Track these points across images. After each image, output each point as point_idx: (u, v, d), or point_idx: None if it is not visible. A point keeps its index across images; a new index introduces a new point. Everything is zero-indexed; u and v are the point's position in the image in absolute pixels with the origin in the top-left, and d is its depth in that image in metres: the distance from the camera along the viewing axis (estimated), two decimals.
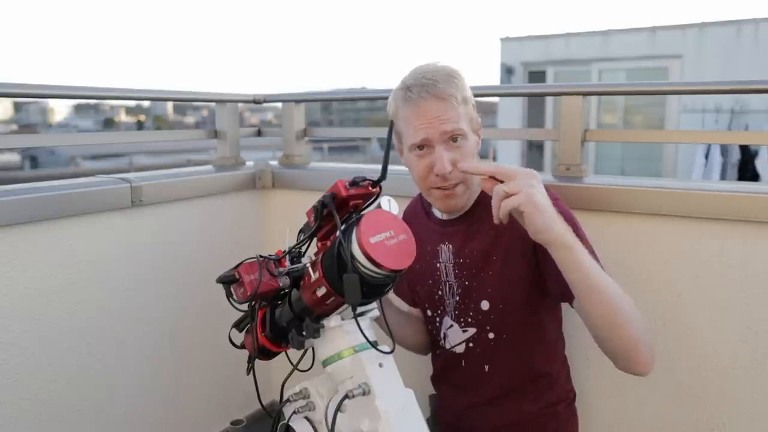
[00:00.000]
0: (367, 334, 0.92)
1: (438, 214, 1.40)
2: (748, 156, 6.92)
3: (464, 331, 1.36)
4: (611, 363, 1.17)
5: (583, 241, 1.20)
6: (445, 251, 1.36)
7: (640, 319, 1.11)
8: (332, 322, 0.94)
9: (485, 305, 1.32)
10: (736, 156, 6.95)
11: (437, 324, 1.41)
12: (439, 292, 1.38)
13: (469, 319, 1.34)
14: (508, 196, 1.02)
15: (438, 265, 1.38)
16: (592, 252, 1.16)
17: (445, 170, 1.20)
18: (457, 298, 1.35)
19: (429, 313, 1.42)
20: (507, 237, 1.28)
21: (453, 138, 1.22)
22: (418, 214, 1.46)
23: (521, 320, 1.31)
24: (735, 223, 1.40)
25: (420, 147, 1.23)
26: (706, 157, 6.98)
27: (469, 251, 1.33)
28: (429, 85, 1.20)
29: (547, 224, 1.02)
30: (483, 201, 1.34)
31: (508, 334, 1.32)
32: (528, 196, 1.01)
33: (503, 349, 1.33)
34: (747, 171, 6.89)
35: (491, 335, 1.33)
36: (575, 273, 1.06)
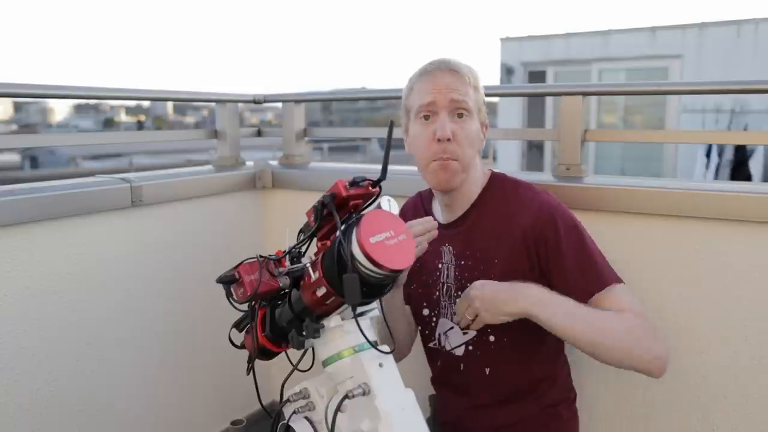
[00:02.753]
0: (367, 334, 0.92)
1: (439, 216, 1.40)
2: (742, 157, 6.91)
3: (465, 333, 1.35)
4: None
5: (584, 245, 1.27)
6: (447, 253, 1.37)
7: (635, 336, 1.20)
8: (332, 322, 0.94)
9: None
10: (728, 156, 6.95)
11: (432, 325, 1.41)
12: (437, 293, 1.38)
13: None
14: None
15: (440, 266, 1.38)
16: (589, 255, 1.25)
17: (446, 134, 1.24)
18: (458, 300, 1.35)
19: (426, 312, 1.42)
20: (509, 239, 1.28)
21: (458, 113, 1.26)
22: (418, 214, 1.46)
23: (523, 323, 1.30)
24: (735, 223, 1.40)
25: (426, 117, 1.28)
26: (708, 156, 6.98)
27: (470, 254, 1.33)
28: (445, 61, 1.29)
29: (508, 310, 1.18)
30: (482, 204, 1.34)
31: (509, 338, 1.32)
32: (484, 316, 1.19)
33: (504, 353, 1.33)
34: (741, 172, 6.87)
35: (492, 338, 1.33)
36: (551, 330, 1.18)
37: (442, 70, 1.28)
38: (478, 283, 1.21)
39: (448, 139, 1.24)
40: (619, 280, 1.26)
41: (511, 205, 1.32)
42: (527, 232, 1.27)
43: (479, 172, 1.34)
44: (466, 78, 1.27)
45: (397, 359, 1.50)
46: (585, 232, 1.29)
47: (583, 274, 1.24)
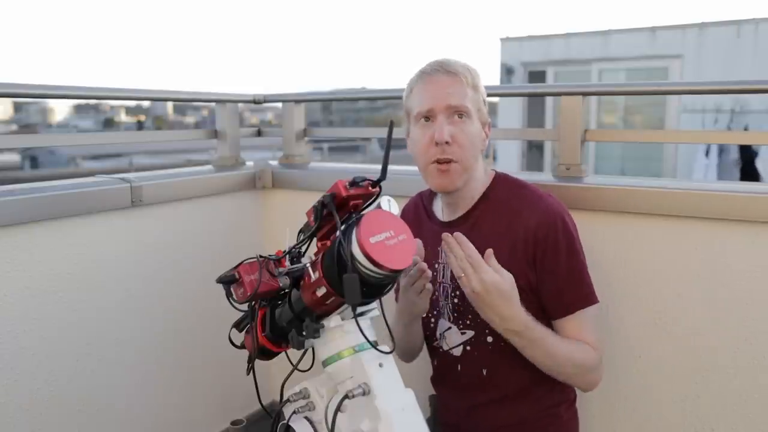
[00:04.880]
0: (367, 334, 0.92)
1: (439, 214, 1.40)
2: (749, 156, 6.93)
3: (462, 333, 1.35)
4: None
5: (578, 261, 1.30)
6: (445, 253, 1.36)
7: (581, 369, 1.28)
8: (332, 322, 0.94)
9: None
10: (734, 155, 6.96)
11: (431, 326, 1.41)
12: (435, 294, 1.38)
13: (468, 322, 1.34)
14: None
15: (436, 266, 1.38)
16: (579, 272, 1.29)
17: (443, 138, 1.24)
18: (455, 300, 1.35)
19: (425, 314, 1.42)
20: (510, 239, 1.28)
21: (458, 114, 1.26)
22: (419, 214, 1.46)
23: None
24: (735, 223, 1.40)
25: (426, 118, 1.28)
26: (707, 154, 6.98)
27: None
28: (442, 63, 1.29)
29: (490, 316, 1.18)
30: (485, 203, 1.34)
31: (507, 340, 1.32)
32: (472, 296, 1.16)
33: (501, 354, 1.32)
34: (748, 171, 6.89)
35: (489, 339, 1.32)
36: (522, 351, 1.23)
37: (438, 73, 1.27)
38: (491, 285, 1.14)
39: (447, 142, 1.25)
40: (596, 300, 1.31)
41: (515, 205, 1.32)
42: (529, 233, 1.27)
43: (482, 171, 1.34)
44: (463, 79, 1.27)
45: (408, 359, 1.51)
46: (581, 247, 1.32)
47: (569, 290, 1.28)
